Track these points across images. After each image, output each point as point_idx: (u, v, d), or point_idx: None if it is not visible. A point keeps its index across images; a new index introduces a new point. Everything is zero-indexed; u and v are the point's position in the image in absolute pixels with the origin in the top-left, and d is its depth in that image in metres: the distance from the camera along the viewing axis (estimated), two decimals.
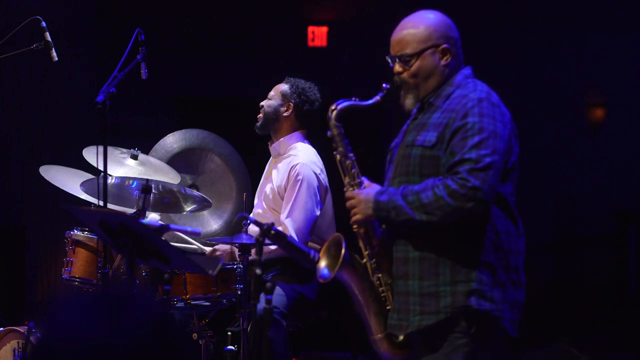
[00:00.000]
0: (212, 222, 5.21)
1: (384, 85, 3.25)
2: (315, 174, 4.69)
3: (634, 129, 8.91)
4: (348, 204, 3.21)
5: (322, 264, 3.20)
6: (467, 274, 3.07)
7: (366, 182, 3.24)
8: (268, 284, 2.97)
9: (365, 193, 3.17)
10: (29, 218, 7.37)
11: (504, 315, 3.11)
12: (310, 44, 8.58)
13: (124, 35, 4.43)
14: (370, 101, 3.26)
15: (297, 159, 4.71)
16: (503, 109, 3.17)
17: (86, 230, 4.55)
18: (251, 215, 4.84)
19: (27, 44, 4.59)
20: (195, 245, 4.88)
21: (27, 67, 7.36)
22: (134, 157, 4.70)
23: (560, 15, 8.77)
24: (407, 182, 3.14)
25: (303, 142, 4.83)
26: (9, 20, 6.80)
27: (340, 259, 3.12)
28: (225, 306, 4.59)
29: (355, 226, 3.22)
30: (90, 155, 4.46)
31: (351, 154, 3.27)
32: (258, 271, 2.96)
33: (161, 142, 5.21)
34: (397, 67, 3.24)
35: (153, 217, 4.68)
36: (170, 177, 4.73)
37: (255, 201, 4.95)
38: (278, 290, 4.56)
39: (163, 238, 3.67)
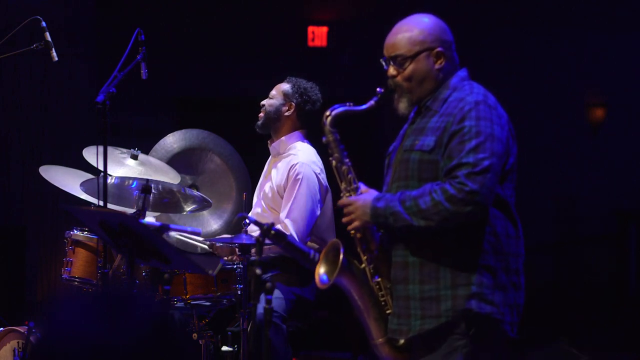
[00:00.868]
0: (212, 222, 5.22)
1: (378, 89, 3.25)
2: (315, 173, 4.69)
3: (634, 129, 8.91)
4: (345, 210, 3.21)
5: (321, 270, 3.20)
6: (467, 277, 3.07)
7: (363, 187, 3.24)
8: (268, 284, 2.97)
9: (362, 199, 3.17)
10: (29, 218, 7.37)
11: (505, 318, 3.11)
12: (310, 44, 8.58)
13: (124, 35, 4.43)
14: (365, 106, 3.26)
15: (297, 159, 4.71)
16: (500, 111, 3.16)
17: (86, 230, 4.55)
18: (250, 214, 4.84)
19: (27, 44, 4.59)
20: (199, 244, 4.88)
21: (27, 67, 7.36)
22: (134, 157, 4.70)
23: (560, 15, 8.77)
24: (406, 186, 3.14)
25: (303, 141, 4.83)
26: (9, 20, 6.80)
27: (339, 264, 3.12)
28: (225, 306, 4.59)
29: (352, 231, 3.22)
30: (90, 155, 4.46)
31: (347, 160, 3.26)
32: (258, 271, 2.97)
33: (161, 142, 5.21)
34: (391, 70, 3.24)
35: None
36: (170, 177, 4.73)
37: (255, 200, 4.95)
38: (277, 293, 4.55)
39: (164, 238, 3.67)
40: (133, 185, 4.53)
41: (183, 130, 5.27)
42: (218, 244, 4.71)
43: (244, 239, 4.25)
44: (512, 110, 3.25)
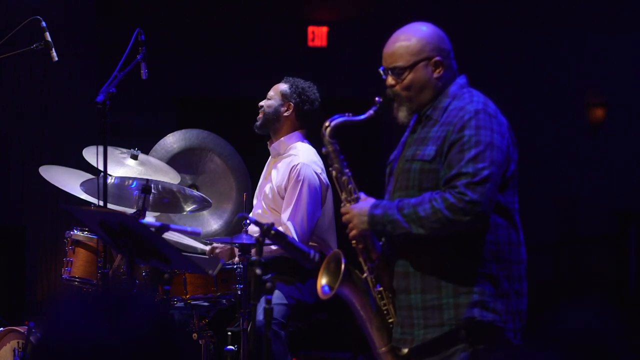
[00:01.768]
0: (212, 222, 5.21)
1: (377, 99, 3.24)
2: (316, 173, 4.69)
3: (634, 129, 8.90)
4: (343, 218, 3.21)
5: (323, 280, 3.20)
6: (468, 286, 3.07)
7: (363, 197, 3.24)
8: (268, 284, 2.97)
9: (359, 207, 3.17)
10: (29, 218, 7.36)
11: (507, 325, 3.11)
12: (310, 44, 8.58)
13: (124, 35, 4.43)
14: (364, 116, 3.25)
15: (298, 159, 4.71)
16: (500, 119, 3.16)
17: (86, 230, 4.55)
18: (251, 215, 4.84)
19: (27, 44, 4.59)
20: (198, 247, 4.88)
21: (27, 67, 7.35)
22: (134, 157, 4.69)
23: (560, 15, 8.77)
24: (407, 196, 3.14)
25: (303, 141, 4.83)
26: (9, 20, 6.80)
27: (341, 275, 3.12)
28: (225, 306, 4.59)
29: (354, 242, 3.22)
30: (90, 155, 4.46)
31: (347, 170, 3.26)
32: (258, 271, 2.96)
33: (161, 142, 5.21)
34: (390, 80, 3.24)
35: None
36: (170, 177, 4.72)
37: (255, 201, 4.95)
38: (276, 298, 4.54)
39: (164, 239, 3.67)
40: (133, 185, 4.53)
41: (183, 130, 5.27)
42: (217, 250, 4.72)
43: (244, 239, 4.25)
44: (512, 110, 3.25)
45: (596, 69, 8.87)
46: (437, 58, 3.20)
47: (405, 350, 3.18)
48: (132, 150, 4.71)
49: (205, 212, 5.13)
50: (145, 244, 3.54)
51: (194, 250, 4.88)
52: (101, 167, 4.03)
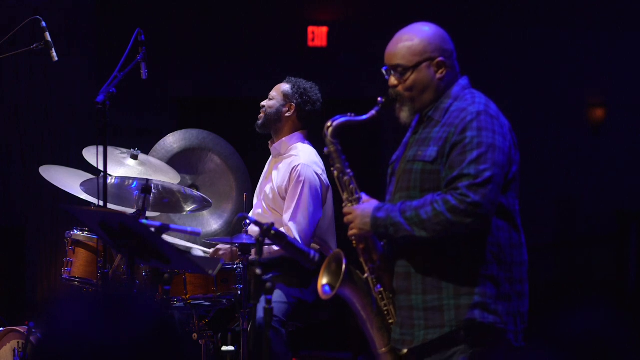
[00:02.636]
0: (212, 222, 5.21)
1: (379, 99, 3.24)
2: (316, 174, 4.69)
3: (634, 129, 8.90)
4: (345, 219, 3.21)
5: (324, 280, 3.20)
6: (470, 287, 3.07)
7: (365, 197, 3.24)
8: (268, 284, 2.97)
9: (362, 209, 3.17)
10: (29, 218, 7.36)
11: (508, 327, 3.11)
12: (310, 44, 8.58)
13: (124, 35, 4.42)
14: (366, 116, 3.25)
15: (298, 160, 4.70)
16: (502, 120, 3.16)
17: (86, 230, 4.55)
18: (251, 215, 4.84)
19: (27, 44, 4.59)
20: (198, 250, 4.88)
21: (27, 67, 7.35)
22: (134, 157, 4.69)
23: (561, 15, 8.77)
24: (408, 196, 3.14)
25: (304, 142, 4.83)
26: (9, 20, 6.79)
27: (341, 276, 3.12)
28: (225, 306, 4.59)
29: (354, 242, 3.22)
30: (90, 155, 4.46)
31: (349, 170, 3.26)
32: (258, 271, 2.96)
33: (161, 142, 5.21)
34: (392, 80, 3.23)
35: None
36: (170, 177, 4.72)
37: (255, 201, 4.95)
38: (277, 297, 4.54)
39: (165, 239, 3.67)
40: (133, 185, 4.53)
41: (183, 130, 5.27)
42: (221, 252, 4.72)
43: (244, 239, 4.25)
44: (512, 110, 3.25)
45: (596, 69, 8.87)
46: (440, 59, 3.20)
47: (405, 351, 3.18)
48: (132, 150, 4.71)
49: (205, 212, 5.13)
50: (145, 244, 3.54)
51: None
52: (101, 167, 4.03)
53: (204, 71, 8.51)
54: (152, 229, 3.50)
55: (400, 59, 3.20)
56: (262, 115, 4.86)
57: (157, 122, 8.24)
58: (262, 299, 2.97)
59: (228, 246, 4.72)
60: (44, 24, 4.55)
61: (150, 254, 3.59)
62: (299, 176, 4.65)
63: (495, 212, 3.08)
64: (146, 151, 4.95)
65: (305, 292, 4.67)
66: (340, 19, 8.60)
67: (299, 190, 4.64)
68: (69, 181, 4.71)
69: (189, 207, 4.68)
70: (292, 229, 4.59)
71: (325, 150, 3.28)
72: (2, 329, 4.71)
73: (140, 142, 5.33)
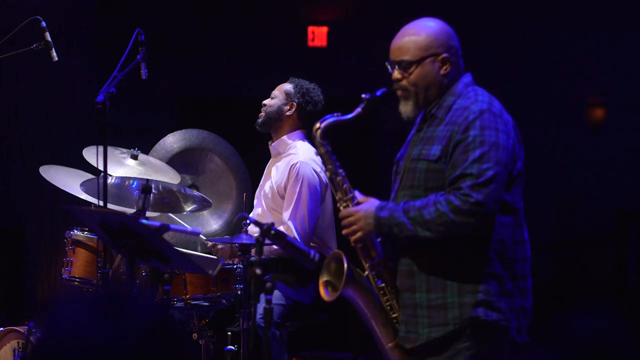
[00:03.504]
0: (212, 222, 5.21)
1: (363, 95, 3.23)
2: (315, 172, 4.69)
3: (634, 129, 8.90)
4: (346, 220, 3.19)
5: (325, 282, 3.20)
6: (474, 285, 3.07)
7: (359, 195, 3.23)
8: (268, 284, 2.97)
9: (364, 209, 3.16)
10: (29, 218, 7.36)
11: (511, 324, 3.12)
12: (310, 44, 8.58)
13: (124, 35, 4.42)
14: (351, 114, 3.24)
15: (297, 158, 4.71)
16: (506, 117, 3.15)
17: (86, 230, 4.55)
18: (251, 215, 4.84)
19: (27, 44, 4.59)
20: (198, 250, 4.88)
21: (27, 67, 7.35)
22: (134, 157, 4.69)
23: (561, 15, 8.77)
24: (412, 195, 3.14)
25: (303, 140, 4.83)
26: (9, 20, 6.79)
27: (344, 277, 3.12)
28: (225, 306, 4.59)
29: (352, 241, 3.21)
30: (90, 155, 4.46)
31: (341, 170, 3.26)
32: (258, 271, 2.96)
33: (161, 142, 5.21)
34: (396, 74, 3.23)
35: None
36: (170, 177, 4.73)
37: (255, 201, 4.95)
38: (273, 298, 4.54)
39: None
40: (133, 185, 4.53)
41: (183, 130, 5.27)
42: (219, 246, 4.72)
43: (244, 239, 4.25)
44: (512, 110, 3.24)
45: (596, 69, 8.87)
46: (445, 55, 3.20)
47: (409, 347, 3.19)
48: (132, 150, 4.71)
49: (205, 212, 5.13)
50: (145, 244, 3.54)
51: (194, 247, 4.88)
52: (101, 167, 4.03)
53: (204, 71, 8.51)
54: (152, 229, 3.50)
55: (405, 53, 3.19)
56: (262, 113, 4.87)
57: (157, 122, 8.23)
58: (262, 298, 2.97)
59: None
60: (44, 24, 4.55)
61: (150, 254, 3.59)
62: (297, 174, 4.66)
63: (500, 209, 3.08)
64: (146, 151, 4.95)
65: (302, 294, 4.66)
66: (340, 19, 8.60)
67: (298, 188, 4.64)
68: (69, 181, 4.72)
69: (189, 207, 4.68)
70: (291, 227, 4.59)
71: (315, 152, 3.28)
72: (2, 329, 4.71)
73: (140, 142, 5.33)
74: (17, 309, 6.92)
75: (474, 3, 8.58)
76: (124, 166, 4.65)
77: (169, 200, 4.62)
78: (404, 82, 3.21)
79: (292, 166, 4.68)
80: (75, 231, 4.56)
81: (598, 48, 8.87)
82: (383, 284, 3.21)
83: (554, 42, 8.86)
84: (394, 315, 3.21)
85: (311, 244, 4.69)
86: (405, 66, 3.20)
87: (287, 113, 4.83)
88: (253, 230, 4.53)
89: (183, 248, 4.82)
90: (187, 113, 8.50)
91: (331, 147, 3.26)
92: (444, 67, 3.20)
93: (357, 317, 3.29)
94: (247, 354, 4.16)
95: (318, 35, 8.57)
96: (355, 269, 3.19)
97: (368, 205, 3.17)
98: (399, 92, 3.24)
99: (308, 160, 4.70)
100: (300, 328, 4.77)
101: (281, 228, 4.53)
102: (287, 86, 4.87)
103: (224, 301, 4.53)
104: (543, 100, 8.81)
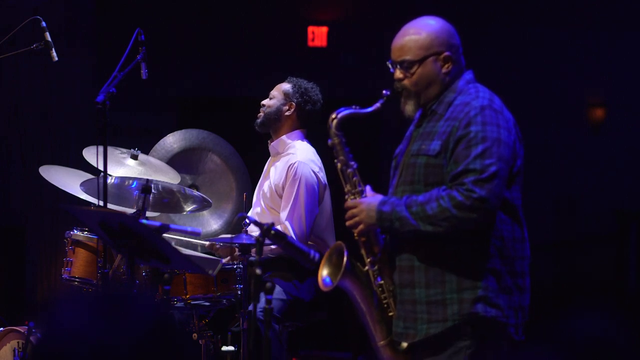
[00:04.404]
0: (212, 222, 5.21)
1: (384, 92, 3.23)
2: (313, 172, 4.69)
3: (634, 129, 8.90)
4: (350, 212, 3.20)
5: (324, 272, 3.20)
6: (473, 281, 3.08)
7: (368, 191, 3.23)
8: (268, 284, 2.98)
9: (367, 202, 3.16)
10: (29, 218, 7.36)
11: (509, 321, 3.12)
12: (310, 44, 8.58)
13: (124, 35, 4.42)
14: (371, 108, 3.25)
15: (295, 157, 4.71)
16: (506, 114, 3.16)
17: (86, 230, 4.55)
18: (250, 214, 4.84)
19: (27, 44, 4.59)
20: (198, 250, 4.88)
21: (27, 67, 7.35)
22: (134, 157, 4.69)
23: (561, 15, 8.77)
24: (412, 190, 3.14)
25: (302, 140, 4.83)
26: (9, 20, 6.79)
27: (342, 268, 3.12)
28: (225, 306, 4.59)
29: (356, 234, 3.21)
30: (90, 155, 4.46)
31: (352, 162, 3.26)
32: (258, 271, 2.97)
33: (161, 142, 5.21)
34: (398, 74, 3.23)
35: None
36: (170, 177, 4.73)
37: (254, 200, 4.95)
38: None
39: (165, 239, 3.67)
40: (133, 185, 4.53)
41: (183, 130, 5.27)
42: (218, 245, 4.72)
43: (244, 239, 4.25)
44: (512, 110, 3.24)
45: (596, 69, 8.87)
46: (446, 53, 3.20)
47: (405, 345, 3.18)
48: (132, 150, 4.71)
49: (205, 212, 5.13)
50: (145, 244, 3.54)
51: (194, 248, 4.88)
52: (101, 167, 4.03)
53: (204, 71, 8.51)
54: (152, 229, 3.50)
55: (407, 52, 3.19)
56: (261, 113, 4.87)
57: (157, 122, 8.23)
58: (262, 298, 2.97)
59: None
60: (44, 24, 4.55)
61: (150, 254, 3.59)
62: (295, 174, 4.66)
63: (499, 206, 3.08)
64: (146, 151, 4.95)
65: (302, 290, 4.66)
66: (340, 19, 8.61)
67: (296, 188, 4.64)
68: (69, 181, 4.72)
69: (189, 207, 4.68)
70: (288, 227, 4.60)
71: (330, 142, 3.27)
72: (2, 329, 4.71)
73: (140, 142, 5.32)
74: (17, 309, 6.92)
75: (474, 3, 8.58)
76: (124, 166, 4.65)
77: (168, 200, 4.62)
78: (406, 82, 3.21)
79: (290, 166, 4.68)
80: (75, 231, 4.56)
81: (598, 48, 8.87)
82: (382, 281, 3.21)
83: (554, 42, 8.86)
84: (390, 314, 3.21)
85: (309, 243, 4.69)
86: (407, 66, 3.20)
87: (286, 113, 4.83)
88: (253, 230, 4.53)
89: (183, 248, 4.82)
90: (187, 113, 8.50)
91: (346, 138, 3.26)
92: (446, 66, 3.20)
93: (356, 315, 3.29)
94: (247, 354, 4.16)
95: (318, 35, 8.57)
96: (355, 262, 3.19)
97: (372, 199, 3.18)
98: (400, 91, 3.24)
99: (306, 160, 4.70)
100: (299, 328, 4.77)
101: (279, 227, 4.53)
102: (286, 86, 4.87)
103: (224, 301, 4.53)
104: (543, 100, 8.81)
